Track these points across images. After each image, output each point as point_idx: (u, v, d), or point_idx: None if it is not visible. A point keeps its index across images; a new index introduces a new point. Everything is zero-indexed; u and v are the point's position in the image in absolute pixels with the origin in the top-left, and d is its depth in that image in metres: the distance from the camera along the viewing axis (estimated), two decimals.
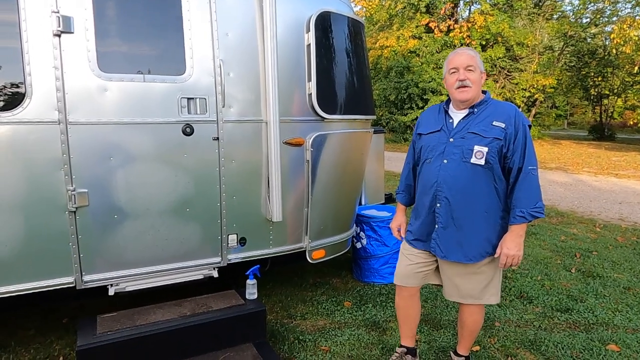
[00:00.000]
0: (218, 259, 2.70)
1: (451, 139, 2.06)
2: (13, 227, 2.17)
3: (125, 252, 2.44)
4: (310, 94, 2.76)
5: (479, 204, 2.03)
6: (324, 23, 2.80)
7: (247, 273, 2.65)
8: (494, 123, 1.98)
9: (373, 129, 3.58)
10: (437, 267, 2.29)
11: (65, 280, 2.32)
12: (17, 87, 2.11)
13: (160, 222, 2.49)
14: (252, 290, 2.64)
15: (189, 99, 2.47)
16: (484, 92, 2.10)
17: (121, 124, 2.32)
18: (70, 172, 2.24)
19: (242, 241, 2.75)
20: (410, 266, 2.28)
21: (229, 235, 2.70)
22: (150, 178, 2.42)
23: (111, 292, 2.42)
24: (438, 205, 2.10)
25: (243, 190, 2.69)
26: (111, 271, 2.43)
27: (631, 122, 22.51)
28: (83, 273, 2.35)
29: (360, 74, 3.13)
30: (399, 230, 2.41)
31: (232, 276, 2.89)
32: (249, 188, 2.71)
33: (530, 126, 2.06)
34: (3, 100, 2.09)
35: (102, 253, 2.39)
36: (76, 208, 2.27)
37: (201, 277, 2.66)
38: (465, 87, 1.99)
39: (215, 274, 2.68)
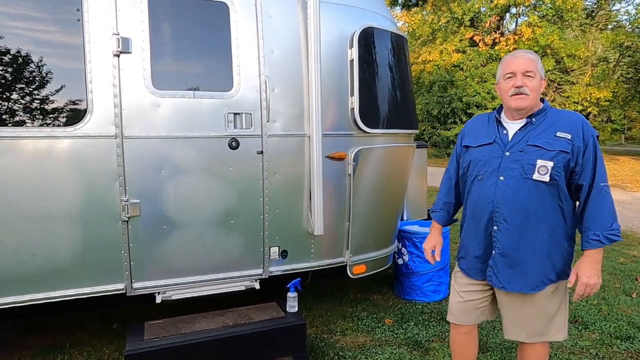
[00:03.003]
0: (260, 271, 2.74)
1: (507, 153, 1.82)
2: (71, 235, 2.31)
3: (172, 261, 2.53)
4: (353, 108, 2.77)
5: (543, 226, 1.81)
6: (366, 38, 2.82)
7: (288, 286, 2.67)
8: (558, 134, 1.75)
9: (416, 144, 3.54)
10: (494, 300, 2.05)
11: (116, 287, 2.43)
12: (80, 104, 2.27)
13: (206, 233, 2.57)
14: (292, 303, 2.65)
15: (235, 114, 2.55)
16: (541, 100, 1.88)
17: (172, 138, 2.43)
18: (125, 184, 2.36)
19: (283, 254, 2.77)
20: (463, 304, 2.05)
21: (271, 248, 2.73)
22: (197, 190, 2.51)
23: (158, 299, 2.51)
24: (495, 228, 1.85)
25: (285, 203, 2.73)
26: (159, 279, 2.52)
27: None
28: (133, 280, 2.46)
29: (402, 88, 3.12)
30: (433, 254, 2.16)
31: (273, 288, 2.92)
32: (291, 201, 2.74)
33: (598, 137, 1.82)
34: (66, 116, 2.26)
35: (150, 261, 2.49)
36: (128, 218, 2.38)
37: (243, 288, 2.70)
38: (521, 94, 1.77)
39: (257, 286, 2.72)
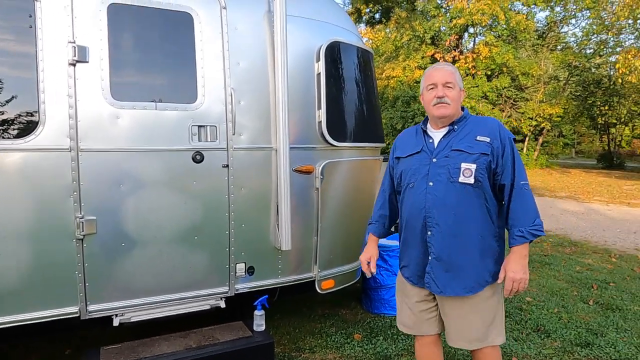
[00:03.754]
0: (225, 289, 2.64)
1: (434, 159, 1.91)
2: (20, 255, 2.14)
3: (131, 281, 2.39)
4: (320, 121, 2.76)
5: (473, 228, 1.87)
6: (333, 52, 2.83)
7: (255, 304, 2.58)
8: (478, 138, 1.85)
9: (382, 157, 3.57)
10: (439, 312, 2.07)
11: (69, 310, 2.27)
12: (31, 115, 2.14)
13: (168, 250, 2.46)
14: (260, 322, 2.57)
15: (199, 126, 2.48)
16: (462, 108, 1.98)
17: (132, 151, 2.32)
18: (80, 199, 2.23)
19: (250, 270, 2.69)
20: (413, 314, 2.06)
21: (237, 264, 2.65)
22: (159, 205, 2.41)
23: (116, 322, 2.36)
24: (429, 233, 1.90)
25: (252, 218, 2.66)
26: (117, 301, 2.38)
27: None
28: (88, 302, 2.30)
29: (369, 102, 3.15)
30: (368, 264, 2.16)
31: (239, 306, 2.82)
32: (258, 216, 2.68)
33: (514, 139, 1.94)
34: (17, 128, 2.11)
35: (108, 282, 2.34)
36: (84, 236, 2.24)
37: (208, 307, 2.59)
38: (443, 103, 1.88)
39: (223, 305, 2.62)
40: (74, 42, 2.19)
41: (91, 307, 2.32)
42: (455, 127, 1.92)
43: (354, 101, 3.04)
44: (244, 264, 2.67)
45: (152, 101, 2.36)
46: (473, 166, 1.83)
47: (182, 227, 2.48)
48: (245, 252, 2.66)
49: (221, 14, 2.52)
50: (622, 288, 4.37)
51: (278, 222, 2.65)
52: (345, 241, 3.10)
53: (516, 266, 1.84)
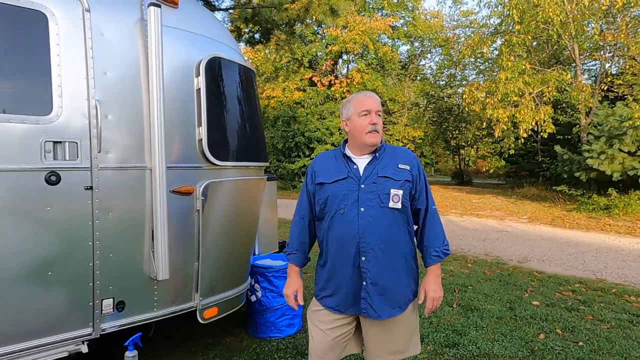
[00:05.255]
0: (89, 330, 2.28)
1: (362, 186, 1.91)
2: None
3: None
4: (201, 139, 2.61)
5: (399, 250, 1.94)
6: (214, 68, 2.72)
7: (126, 344, 2.27)
8: (400, 166, 1.95)
9: (266, 176, 3.53)
10: (357, 331, 2.09)
11: None
12: None
13: (12, 291, 2.03)
14: None
15: (55, 142, 2.13)
16: None
17: None
18: None
19: (119, 306, 2.37)
20: (329, 341, 2.01)
21: (103, 300, 2.31)
22: (1, 236, 1.98)
23: None
24: (363, 258, 1.89)
25: (122, 246, 2.36)
26: None
27: (484, 169, 26.28)
28: None
29: (252, 120, 3.09)
30: (295, 298, 2.08)
31: (107, 348, 2.46)
32: (129, 243, 2.39)
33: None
34: None
35: None
36: None
37: (66, 354, 2.21)
38: (376, 131, 1.92)
39: (85, 349, 2.25)
40: None
41: None
42: (377, 154, 1.97)
43: (237, 119, 2.95)
44: (111, 300, 2.34)
45: None
46: (400, 192, 1.90)
47: (32, 262, 2.08)
48: (114, 285, 2.34)
49: (83, 16, 2.23)
50: (478, 290, 4.97)
51: (153, 248, 2.40)
52: (229, 265, 2.94)
53: (435, 285, 1.98)
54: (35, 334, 2.12)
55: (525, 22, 13.47)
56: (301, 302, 2.12)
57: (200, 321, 2.72)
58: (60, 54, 2.15)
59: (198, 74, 2.62)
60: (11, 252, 2.02)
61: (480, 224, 10.82)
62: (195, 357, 3.15)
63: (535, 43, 16.61)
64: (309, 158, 19.93)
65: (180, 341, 3.39)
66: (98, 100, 2.25)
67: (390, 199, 1.90)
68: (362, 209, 1.90)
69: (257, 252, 4.06)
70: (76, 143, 2.19)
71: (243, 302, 3.22)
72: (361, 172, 1.96)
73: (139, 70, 2.41)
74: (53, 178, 2.11)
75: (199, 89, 2.61)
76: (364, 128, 1.92)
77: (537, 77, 14.06)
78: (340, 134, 19.29)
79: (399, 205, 1.91)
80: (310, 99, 20.92)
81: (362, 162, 1.98)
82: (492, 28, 17.54)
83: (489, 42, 15.70)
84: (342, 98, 20.76)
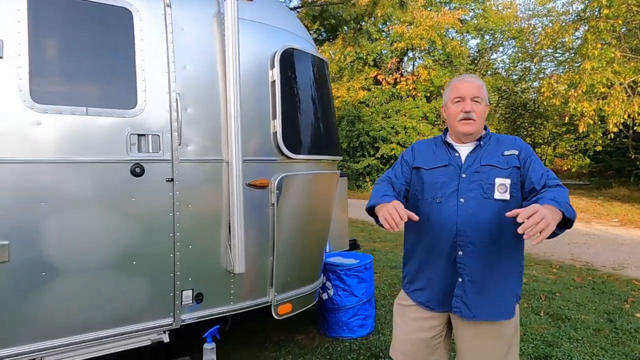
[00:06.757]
0: (169, 320, 2.32)
1: (463, 175, 1.76)
2: None
3: (54, 317, 2.02)
4: (276, 132, 2.57)
5: (505, 247, 1.72)
6: (288, 59, 2.67)
7: (205, 335, 2.28)
8: (506, 153, 1.76)
9: (339, 172, 3.43)
10: (447, 336, 1.91)
11: None
12: None
13: (100, 280, 2.11)
14: (210, 356, 2.28)
15: (139, 135, 2.18)
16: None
17: (57, 163, 1.98)
18: None
19: (198, 298, 2.39)
20: (417, 340, 1.85)
21: (183, 291, 2.34)
22: (89, 227, 2.07)
23: None
24: (460, 252, 1.73)
25: (200, 239, 2.38)
26: (35, 342, 1.98)
27: (565, 168, 24.18)
28: None
29: (326, 113, 3.00)
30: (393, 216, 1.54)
31: (186, 338, 2.50)
32: (207, 236, 2.40)
33: None
34: None
35: (24, 320, 1.95)
36: None
37: (148, 342, 2.26)
38: (469, 119, 1.76)
39: (166, 339, 2.29)
40: None
41: (1, 353, 1.91)
42: (481, 143, 1.81)
43: (311, 111, 2.88)
44: (191, 291, 2.36)
45: (83, 105, 2.05)
46: (507, 181, 1.70)
47: (118, 252, 2.15)
48: (193, 277, 2.37)
49: (165, 12, 2.28)
50: (567, 298, 4.50)
51: (230, 242, 2.39)
52: (302, 261, 2.88)
53: (546, 210, 1.43)
54: (121, 322, 2.18)
55: (614, 5, 12.20)
56: (405, 219, 1.53)
57: (275, 317, 2.67)
58: (143, 49, 2.21)
59: (273, 66, 2.58)
60: (100, 242, 2.10)
61: None
62: (267, 352, 3.13)
63: (624, 29, 15.02)
64: (373, 157, 19.65)
65: (253, 336, 3.39)
66: (178, 94, 2.28)
67: (496, 190, 1.70)
68: (461, 200, 1.74)
69: (328, 250, 3.98)
70: (158, 136, 2.23)
71: (316, 300, 3.15)
72: (463, 161, 1.80)
73: (217, 63, 2.42)
74: (138, 170, 2.17)
75: (274, 81, 2.57)
76: (456, 115, 1.78)
77: (629, 65, 12.67)
78: (405, 132, 18.81)
79: (506, 196, 1.69)
80: (375, 97, 20.62)
81: (464, 150, 1.83)
82: (575, 15, 16.11)
83: (572, 30, 14.42)
84: (408, 96, 20.26)
